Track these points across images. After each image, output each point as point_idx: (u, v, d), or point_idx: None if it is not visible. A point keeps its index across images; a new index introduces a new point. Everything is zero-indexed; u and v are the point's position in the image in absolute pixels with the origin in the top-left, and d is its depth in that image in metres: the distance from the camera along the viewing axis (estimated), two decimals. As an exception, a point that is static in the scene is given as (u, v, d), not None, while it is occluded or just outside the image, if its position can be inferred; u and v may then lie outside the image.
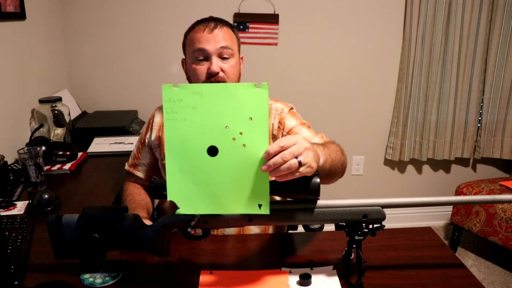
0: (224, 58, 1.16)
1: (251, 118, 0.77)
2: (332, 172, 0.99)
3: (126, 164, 1.36)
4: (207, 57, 1.15)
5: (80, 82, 2.36)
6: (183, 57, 1.25)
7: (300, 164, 0.76)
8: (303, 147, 0.78)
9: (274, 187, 0.81)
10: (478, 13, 2.36)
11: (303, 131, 1.18)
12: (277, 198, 1.07)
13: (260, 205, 0.80)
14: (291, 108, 1.25)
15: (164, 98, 0.78)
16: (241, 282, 0.88)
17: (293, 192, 0.82)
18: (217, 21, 1.18)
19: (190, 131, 0.78)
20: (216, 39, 1.14)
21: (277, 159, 0.75)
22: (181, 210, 0.81)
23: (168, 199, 0.80)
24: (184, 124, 0.78)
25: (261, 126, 0.78)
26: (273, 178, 0.78)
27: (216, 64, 1.14)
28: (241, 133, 0.77)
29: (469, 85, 2.51)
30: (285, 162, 0.75)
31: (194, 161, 0.79)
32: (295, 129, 1.19)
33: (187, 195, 0.80)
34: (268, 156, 0.76)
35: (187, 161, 0.79)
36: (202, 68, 1.15)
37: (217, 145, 0.78)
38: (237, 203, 0.80)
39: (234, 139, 0.77)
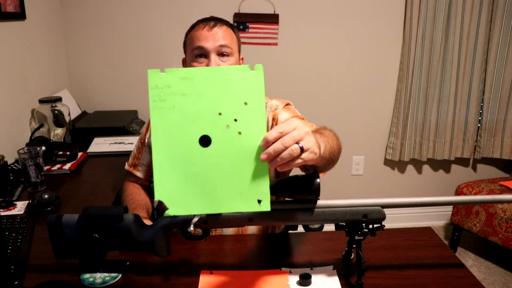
0: (223, 55, 1.16)
1: (246, 103, 0.71)
2: (331, 160, 0.94)
3: (126, 163, 1.36)
4: (206, 55, 1.15)
5: (80, 82, 2.35)
6: (183, 56, 1.25)
7: (302, 150, 0.71)
8: (304, 132, 0.72)
9: (274, 187, 0.81)
10: (478, 13, 2.36)
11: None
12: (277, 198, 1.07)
13: (259, 201, 0.73)
14: (287, 104, 1.23)
15: (150, 85, 0.72)
16: (241, 282, 0.87)
17: (293, 192, 0.82)
18: (217, 20, 1.19)
19: (179, 120, 0.72)
20: (215, 37, 1.14)
21: (277, 145, 0.69)
22: (171, 211, 0.74)
23: (156, 198, 0.73)
24: (172, 112, 0.72)
25: (257, 112, 0.71)
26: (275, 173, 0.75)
27: (215, 61, 1.14)
28: (235, 120, 0.71)
29: (469, 85, 2.51)
30: (286, 148, 0.69)
31: (184, 153, 0.72)
32: (287, 121, 1.16)
33: (177, 193, 0.73)
34: (267, 143, 0.70)
35: (177, 153, 0.72)
36: (201, 66, 1.15)
37: (210, 134, 0.72)
38: (234, 199, 0.73)
39: (228, 126, 0.71)
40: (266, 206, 0.73)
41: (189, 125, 0.72)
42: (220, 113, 0.72)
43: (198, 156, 0.72)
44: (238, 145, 0.72)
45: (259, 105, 0.72)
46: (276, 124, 1.17)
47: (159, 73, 0.72)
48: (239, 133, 0.72)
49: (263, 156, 0.70)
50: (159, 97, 0.72)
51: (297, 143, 0.71)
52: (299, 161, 0.71)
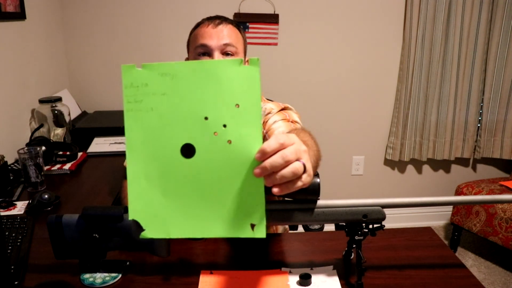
0: (227, 55, 1.13)
1: (237, 105, 0.60)
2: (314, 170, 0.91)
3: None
4: (209, 54, 1.12)
5: (80, 82, 2.36)
6: (185, 56, 1.24)
7: (304, 169, 0.60)
8: (303, 149, 0.62)
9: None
10: (478, 13, 2.37)
11: (278, 124, 1.08)
12: (276, 197, 1.06)
13: (253, 225, 0.61)
14: (283, 108, 1.17)
15: (124, 83, 0.61)
16: (241, 282, 0.87)
17: (293, 192, 0.82)
18: (223, 19, 1.17)
19: (157, 125, 0.61)
20: (219, 35, 1.12)
21: (276, 159, 0.57)
22: (147, 233, 0.63)
23: (130, 218, 0.63)
24: (150, 116, 0.61)
25: (252, 116, 0.59)
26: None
27: None
28: (225, 126, 0.60)
29: (469, 85, 2.51)
30: (286, 163, 0.57)
31: (163, 165, 0.62)
32: (272, 126, 1.10)
33: (154, 212, 0.63)
34: (264, 155, 0.57)
35: (155, 165, 0.62)
36: None
37: (194, 143, 0.61)
38: (222, 223, 0.62)
39: (215, 133, 0.60)
40: (260, 233, 0.61)
41: (169, 131, 0.61)
42: (206, 117, 0.60)
43: (180, 168, 0.61)
44: (228, 156, 0.60)
45: (254, 107, 0.60)
46: (266, 131, 1.09)
47: (134, 69, 0.62)
48: (229, 141, 0.60)
49: (257, 170, 0.58)
50: (134, 97, 0.61)
51: (298, 159, 0.60)
52: (299, 184, 0.61)
